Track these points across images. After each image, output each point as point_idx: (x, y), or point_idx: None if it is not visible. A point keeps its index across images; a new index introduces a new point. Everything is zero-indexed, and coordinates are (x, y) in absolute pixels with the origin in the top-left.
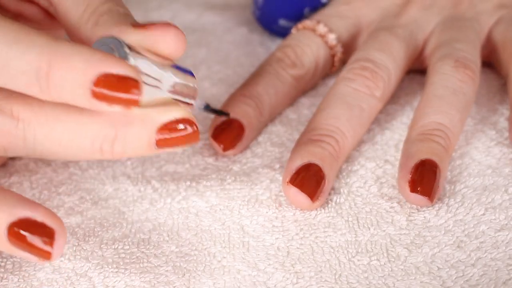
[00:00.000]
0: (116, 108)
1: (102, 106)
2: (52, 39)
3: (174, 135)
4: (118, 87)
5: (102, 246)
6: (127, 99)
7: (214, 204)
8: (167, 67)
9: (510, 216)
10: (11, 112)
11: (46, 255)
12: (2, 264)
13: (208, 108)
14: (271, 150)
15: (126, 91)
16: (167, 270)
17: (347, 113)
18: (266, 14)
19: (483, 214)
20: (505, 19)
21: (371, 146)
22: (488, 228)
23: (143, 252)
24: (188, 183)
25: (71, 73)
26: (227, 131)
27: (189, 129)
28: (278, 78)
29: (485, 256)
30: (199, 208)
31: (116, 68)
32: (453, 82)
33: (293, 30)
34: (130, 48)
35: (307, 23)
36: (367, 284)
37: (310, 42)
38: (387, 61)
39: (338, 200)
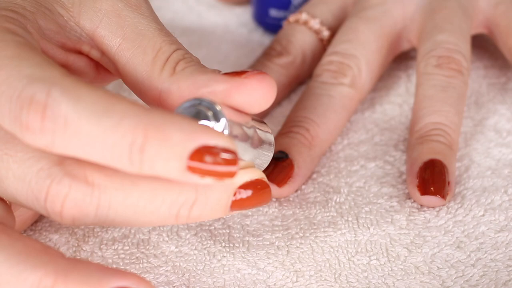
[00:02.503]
0: (208, 181)
1: (194, 178)
2: (145, 109)
3: (250, 197)
4: (215, 160)
5: (102, 246)
6: (223, 172)
7: None
8: (250, 122)
9: (509, 217)
10: (85, 178)
11: None
12: None
13: (277, 157)
14: None
15: (223, 164)
16: (166, 270)
17: (314, 102)
18: (258, 7)
19: (483, 215)
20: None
21: (370, 147)
22: (487, 229)
23: (142, 252)
24: None
25: (167, 146)
26: None
27: (263, 191)
28: (265, 69)
29: (485, 257)
30: None
31: (213, 140)
32: (440, 79)
33: (284, 25)
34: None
35: (292, 15)
36: (367, 284)
37: (294, 32)
38: (353, 49)
39: (338, 200)
